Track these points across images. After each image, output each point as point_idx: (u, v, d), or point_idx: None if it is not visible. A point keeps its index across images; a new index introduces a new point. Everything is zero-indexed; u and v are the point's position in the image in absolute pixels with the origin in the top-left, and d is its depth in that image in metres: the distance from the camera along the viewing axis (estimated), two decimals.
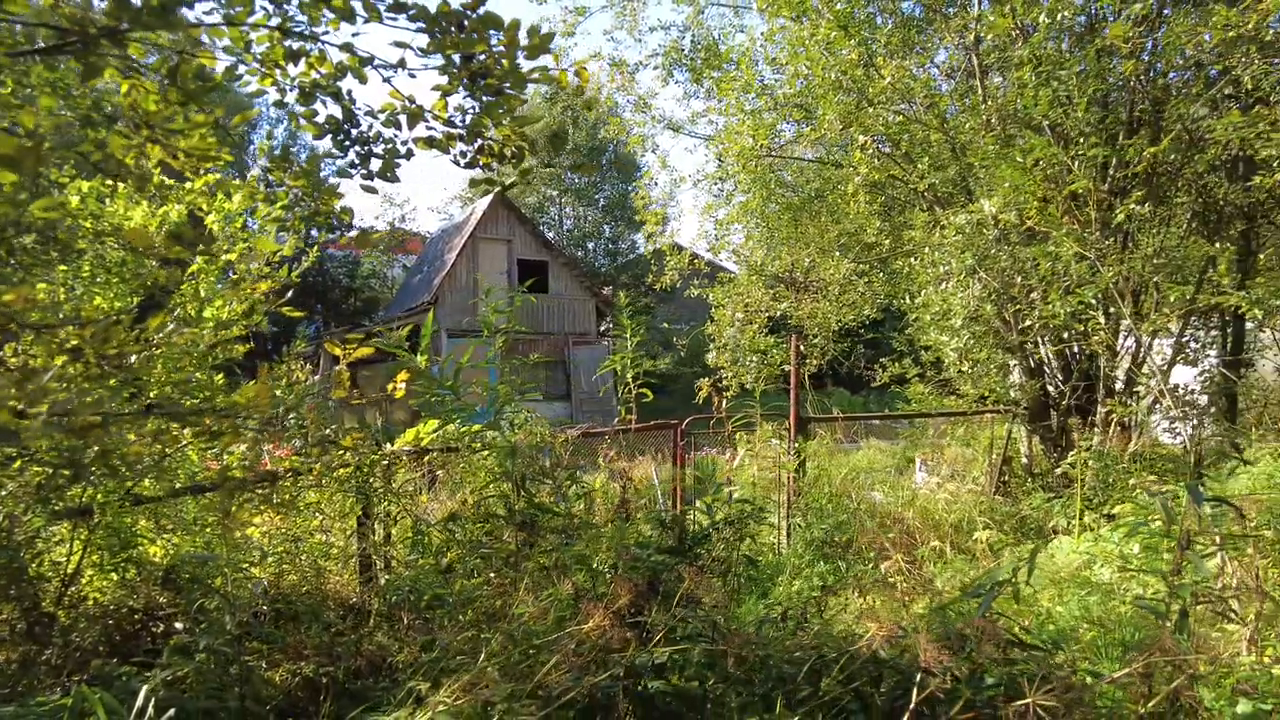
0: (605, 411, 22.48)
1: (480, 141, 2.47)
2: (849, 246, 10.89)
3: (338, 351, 4.83)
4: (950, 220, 8.53)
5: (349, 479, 6.92)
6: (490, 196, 23.38)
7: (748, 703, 2.80)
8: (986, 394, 9.87)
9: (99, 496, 5.93)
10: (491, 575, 4.75)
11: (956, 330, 7.72)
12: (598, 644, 2.57)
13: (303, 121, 2.39)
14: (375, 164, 2.42)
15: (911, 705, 2.37)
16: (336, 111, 2.33)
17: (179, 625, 5.69)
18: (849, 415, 9.56)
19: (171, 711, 2.67)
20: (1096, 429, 9.14)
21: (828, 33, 7.72)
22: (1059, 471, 8.59)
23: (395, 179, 2.43)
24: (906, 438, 13.47)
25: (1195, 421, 6.84)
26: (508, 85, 2.22)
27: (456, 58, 2.19)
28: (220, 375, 6.77)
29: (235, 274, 6.73)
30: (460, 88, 2.26)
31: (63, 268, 5.55)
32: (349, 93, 2.33)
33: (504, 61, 2.17)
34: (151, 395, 6.34)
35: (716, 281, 11.83)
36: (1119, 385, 9.29)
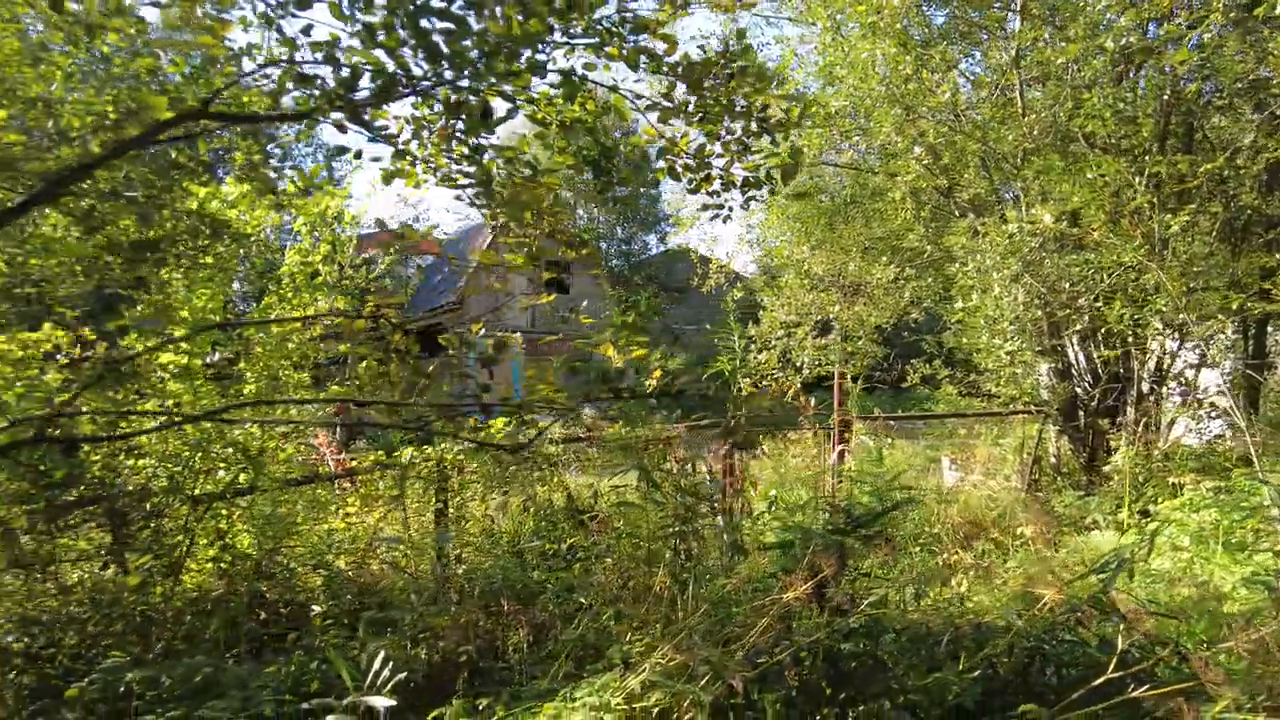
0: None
1: (706, 172, 2.78)
2: (882, 250, 11.24)
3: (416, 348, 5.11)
4: (991, 227, 8.87)
5: (429, 474, 7.23)
6: None
7: (913, 665, 3.11)
8: (1018, 395, 10.21)
9: (207, 487, 6.22)
10: (606, 560, 5.07)
11: (1009, 334, 8.07)
12: (784, 611, 2.88)
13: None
14: (620, 191, 2.72)
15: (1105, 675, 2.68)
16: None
17: (282, 611, 5.98)
18: (889, 415, 9.89)
19: (403, 674, 2.97)
20: (1126, 429, 9.51)
21: (889, 49, 8.06)
22: (1104, 469, 8.93)
23: (635, 205, 2.74)
24: (929, 437, 13.83)
25: (1242, 420, 7.20)
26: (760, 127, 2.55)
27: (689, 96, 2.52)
28: (304, 374, 7.06)
29: (320, 276, 7.02)
30: (722, 126, 2.58)
31: (178, 272, 5.82)
32: (604, 128, 2.64)
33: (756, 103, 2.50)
34: (248, 391, 6.64)
35: (736, 285, 12.14)
36: (1146, 388, 9.66)
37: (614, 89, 2.53)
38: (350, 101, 2.18)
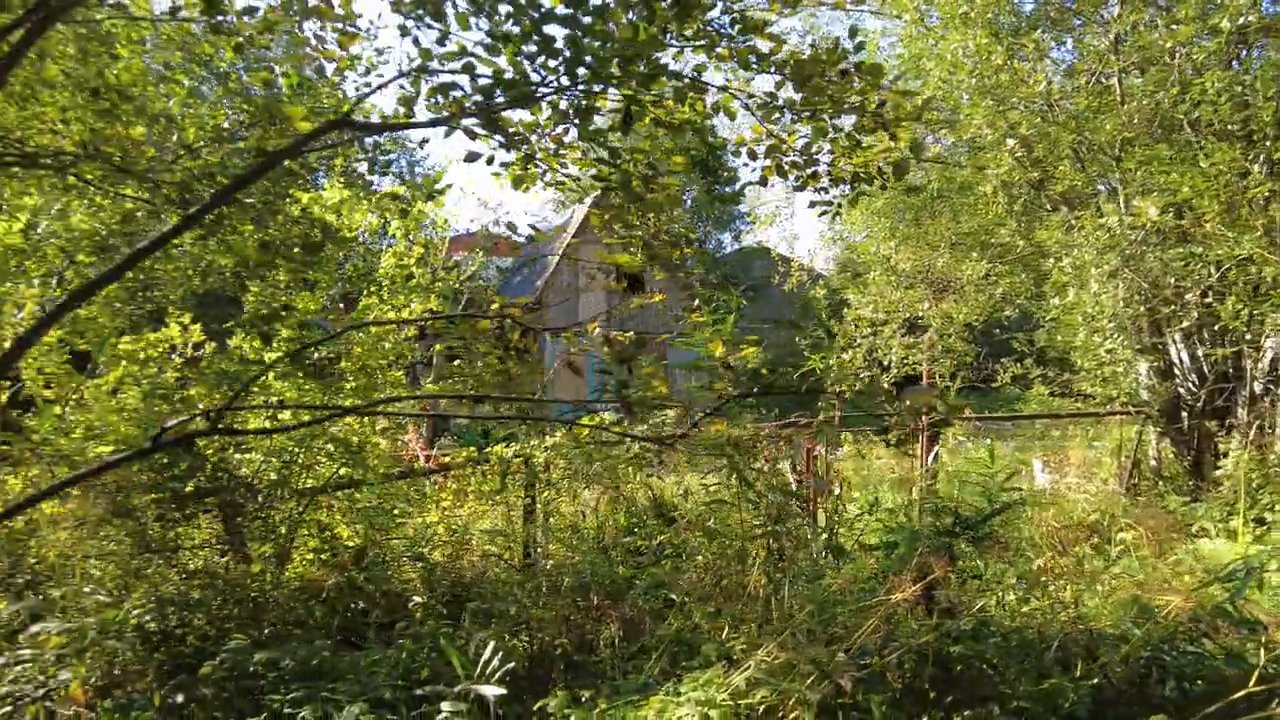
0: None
1: (813, 169, 2.79)
2: (971, 246, 10.94)
3: (535, 346, 5.23)
4: (1087, 221, 8.54)
5: (518, 469, 7.40)
6: (590, 200, 24.01)
7: (1023, 671, 3.04)
8: (1116, 395, 9.80)
9: (308, 481, 6.50)
10: (694, 556, 5.11)
11: (1107, 332, 7.75)
12: (890, 613, 2.86)
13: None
14: (724, 188, 2.75)
15: None
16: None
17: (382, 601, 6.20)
18: (982, 415, 9.62)
19: (510, 664, 3.07)
20: (1238, 432, 9.01)
21: (980, 39, 7.85)
22: (1213, 473, 8.49)
23: (738, 202, 2.77)
24: (1019, 438, 13.38)
25: None
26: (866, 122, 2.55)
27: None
28: (400, 373, 7.30)
29: (415, 278, 7.25)
30: (829, 123, 2.59)
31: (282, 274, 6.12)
32: (712, 127, 2.67)
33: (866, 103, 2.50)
34: (348, 389, 6.90)
35: (818, 283, 11.99)
36: (1259, 388, 9.13)
37: (724, 89, 2.56)
38: (485, 107, 2.26)
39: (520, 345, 2.71)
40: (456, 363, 7.37)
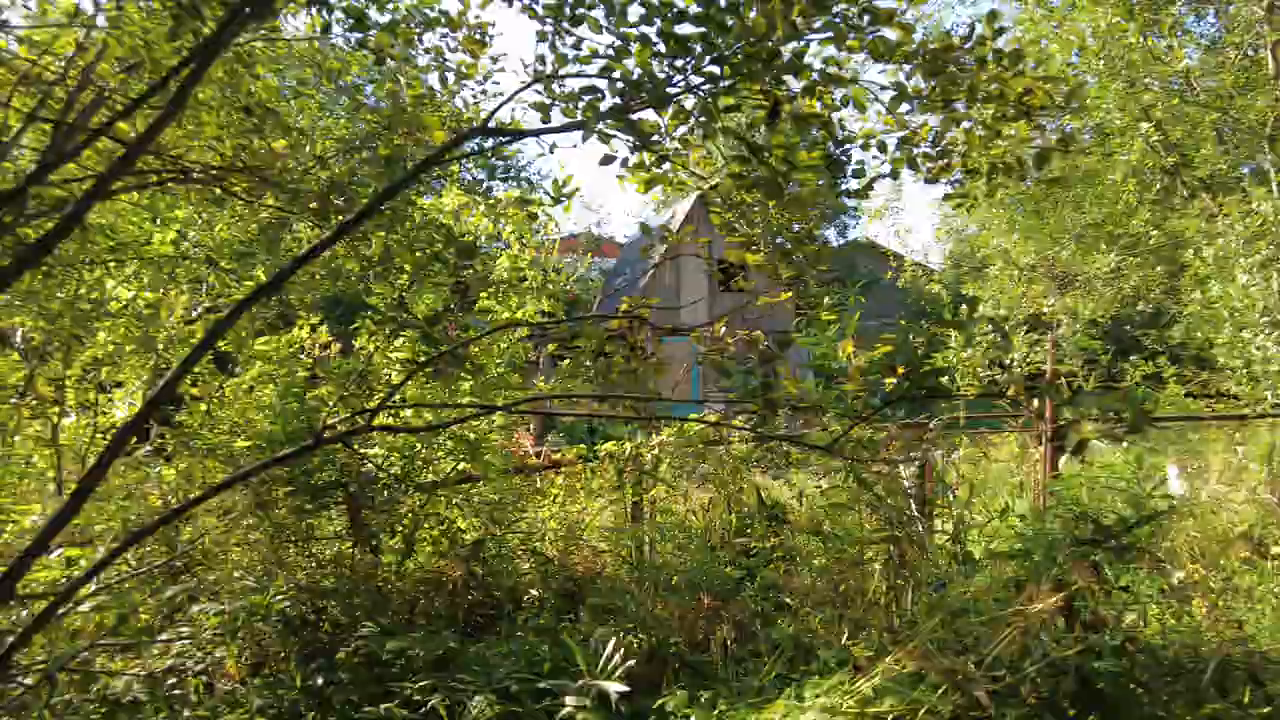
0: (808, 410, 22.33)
1: (946, 160, 2.70)
2: (1098, 238, 10.32)
3: (660, 346, 5.25)
4: (1233, 208, 7.90)
5: (624, 467, 7.47)
6: (692, 198, 24.05)
7: (1176, 693, 2.84)
8: (1267, 396, 9.04)
9: (429, 476, 6.74)
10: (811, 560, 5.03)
11: (1259, 327, 7.16)
12: (1029, 624, 2.72)
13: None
14: (853, 184, 2.70)
15: None
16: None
17: (496, 594, 6.37)
18: (1114, 415, 9.04)
19: (633, 661, 3.09)
20: None
21: (1110, 17, 7.40)
22: None
23: (866, 197, 2.73)
24: (1150, 440, 12.52)
25: None
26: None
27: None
28: (516, 373, 7.50)
29: (528, 280, 7.42)
30: (965, 114, 2.51)
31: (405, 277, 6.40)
32: (840, 121, 2.64)
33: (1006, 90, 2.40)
34: (464, 388, 7.12)
35: (933, 278, 11.53)
36: None
37: (854, 80, 2.50)
38: (621, 109, 2.29)
39: (643, 344, 2.73)
40: (568, 363, 7.49)
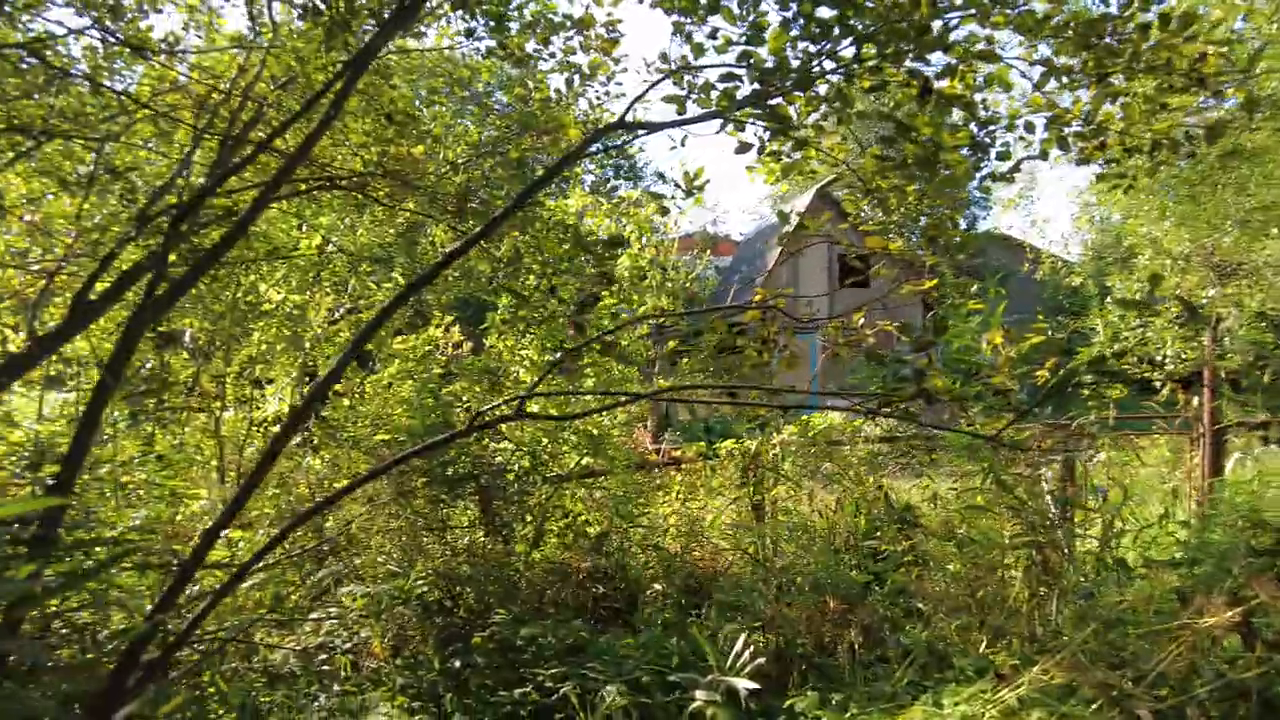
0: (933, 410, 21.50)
1: (1100, 139, 2.53)
2: (1269, 221, 9.37)
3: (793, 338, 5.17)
4: None
5: (747, 465, 7.41)
6: (810, 193, 23.61)
7: None
8: None
9: (554, 469, 6.90)
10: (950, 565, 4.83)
11: None
12: (1198, 640, 2.50)
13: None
14: (1001, 166, 2.59)
15: None
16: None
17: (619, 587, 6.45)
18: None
19: (763, 660, 3.05)
20: None
21: None
22: None
23: (1012, 181, 2.60)
24: None
25: None
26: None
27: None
28: (633, 369, 7.59)
29: (647, 279, 7.50)
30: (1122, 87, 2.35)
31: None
32: (983, 102, 2.52)
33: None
34: (588, 384, 7.25)
35: (1073, 270, 10.80)
36: None
37: (996, 57, 2.36)
38: (761, 96, 2.27)
39: (775, 337, 2.69)
40: (687, 360, 7.47)
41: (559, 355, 4.29)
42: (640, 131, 2.44)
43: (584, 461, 6.91)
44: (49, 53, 4.08)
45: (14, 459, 4.75)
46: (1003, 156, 2.58)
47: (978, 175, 2.68)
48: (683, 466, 7.95)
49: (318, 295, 7.60)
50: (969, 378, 3.01)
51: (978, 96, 2.53)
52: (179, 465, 5.12)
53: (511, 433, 6.86)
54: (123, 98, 3.78)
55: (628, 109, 2.46)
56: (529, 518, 6.25)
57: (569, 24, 3.37)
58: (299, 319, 7.09)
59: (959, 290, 3.15)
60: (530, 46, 3.37)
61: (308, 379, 8.04)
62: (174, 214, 2.97)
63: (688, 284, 9.35)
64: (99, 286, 4.20)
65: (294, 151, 2.63)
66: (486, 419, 2.92)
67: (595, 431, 6.85)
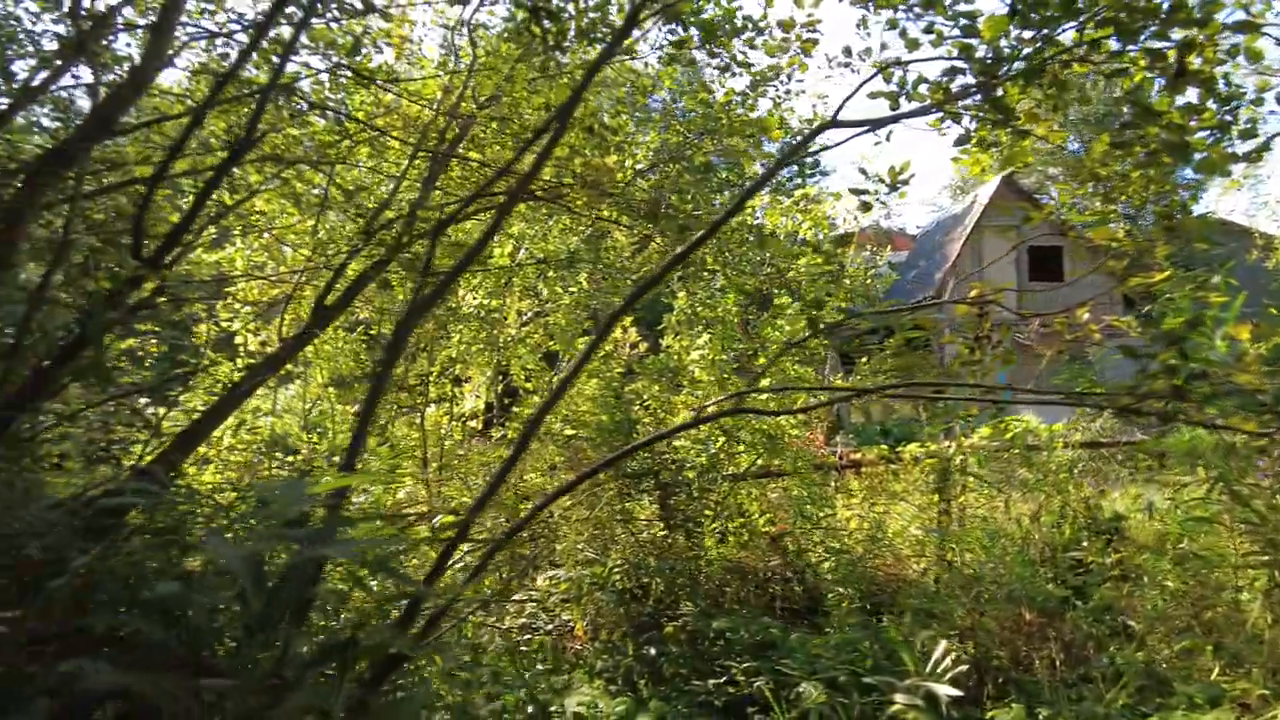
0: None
1: None
2: None
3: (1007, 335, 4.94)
4: None
5: (936, 469, 7.13)
6: (993, 184, 22.22)
7: None
8: None
9: (728, 468, 6.97)
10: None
11: None
12: None
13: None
14: (1243, 148, 2.38)
15: None
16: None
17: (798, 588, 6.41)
18: None
19: (964, 667, 2.96)
20: None
21: None
22: None
23: (1259, 160, 2.38)
24: None
25: None
26: None
27: None
28: (809, 369, 7.51)
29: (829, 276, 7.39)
30: None
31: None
32: (1224, 76, 2.33)
33: None
34: (764, 384, 7.26)
35: None
36: None
37: (1255, 27, 2.15)
38: (982, 88, 2.23)
39: (987, 334, 2.60)
40: (866, 360, 7.31)
41: (792, 341, 4.35)
42: (859, 129, 2.44)
43: (758, 461, 6.92)
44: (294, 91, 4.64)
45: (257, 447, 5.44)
46: (1247, 135, 2.35)
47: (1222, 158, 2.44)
48: (863, 469, 7.77)
49: (510, 299, 8.10)
50: (1198, 377, 2.77)
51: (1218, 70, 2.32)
52: (401, 454, 5.64)
53: (687, 432, 7.00)
54: (356, 123, 4.23)
55: (839, 107, 2.48)
56: (708, 514, 6.35)
57: (743, 29, 3.41)
58: (494, 322, 7.59)
59: (1195, 282, 2.89)
60: (736, 50, 3.45)
61: (501, 377, 8.59)
62: (436, 225, 3.30)
63: (867, 280, 9.12)
64: (332, 294, 4.74)
65: (529, 167, 2.85)
66: (709, 413, 3.03)
67: (772, 432, 6.85)
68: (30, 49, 4.09)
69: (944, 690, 3.05)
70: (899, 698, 3.06)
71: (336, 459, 3.46)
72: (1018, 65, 2.15)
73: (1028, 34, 2.22)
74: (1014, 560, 6.40)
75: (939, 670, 3.18)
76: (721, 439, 6.75)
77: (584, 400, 6.73)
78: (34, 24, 4.19)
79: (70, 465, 3.70)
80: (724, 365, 7.20)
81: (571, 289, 7.89)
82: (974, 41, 2.22)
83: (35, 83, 3.64)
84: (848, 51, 3.59)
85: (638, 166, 5.60)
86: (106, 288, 2.32)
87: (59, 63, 3.49)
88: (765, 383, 7.29)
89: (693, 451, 6.64)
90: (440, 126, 5.03)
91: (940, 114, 2.35)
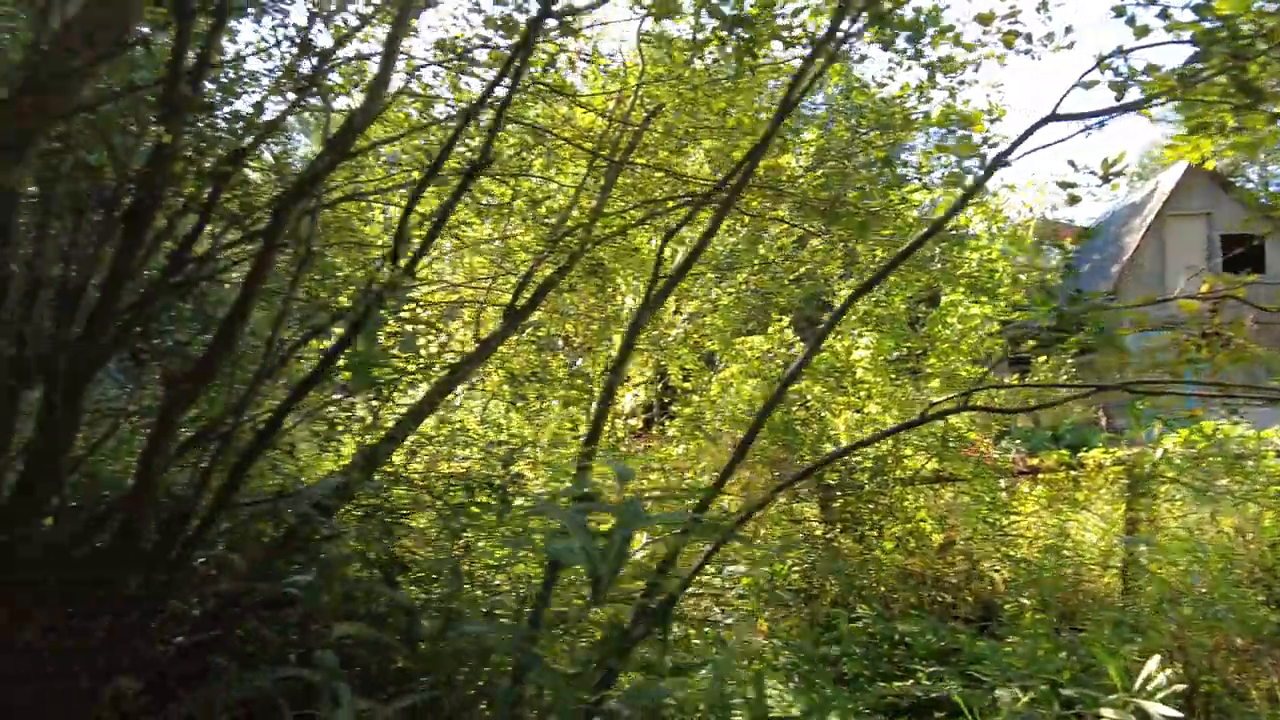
0: None
1: None
2: None
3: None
4: None
5: (1126, 476, 6.68)
6: (1177, 169, 20.32)
7: None
8: None
9: (897, 472, 6.81)
10: None
11: None
12: None
13: None
14: None
15: None
16: None
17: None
18: None
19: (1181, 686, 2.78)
20: None
21: None
22: None
23: None
24: None
25: None
26: None
27: None
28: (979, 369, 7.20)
29: (999, 272, 7.07)
30: None
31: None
32: None
33: None
34: (933, 386, 7.04)
35: None
36: None
37: None
38: (1229, 71, 2.10)
39: (1220, 331, 2.42)
40: (1046, 360, 6.91)
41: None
42: (1086, 120, 2.36)
43: (927, 465, 6.71)
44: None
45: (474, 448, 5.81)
46: None
47: None
48: (1040, 476, 7.36)
49: (667, 300, 8.26)
50: None
51: None
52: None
53: (850, 435, 6.89)
54: (547, 135, 4.47)
55: (1059, 101, 2.40)
56: (877, 516, 6.23)
57: (976, 22, 3.31)
58: (655, 323, 7.78)
59: None
60: (942, 48, 3.39)
61: (659, 377, 8.78)
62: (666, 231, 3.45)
63: (1047, 275, 8.63)
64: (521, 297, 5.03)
65: (738, 179, 2.95)
66: (937, 410, 3.02)
67: (944, 435, 6.62)
68: (259, 85, 4.58)
69: (1161, 710, 2.87)
70: (1107, 713, 2.92)
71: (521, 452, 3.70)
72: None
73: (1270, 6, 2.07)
74: (1218, 579, 5.87)
75: (1150, 688, 2.99)
76: (890, 441, 6.59)
77: (743, 401, 6.78)
78: (265, 60, 4.70)
79: (302, 454, 4.13)
80: (892, 366, 7.05)
81: (730, 290, 7.94)
82: (1213, 25, 2.07)
83: (268, 116, 4.10)
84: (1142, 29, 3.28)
85: (802, 165, 5.58)
86: (379, 291, 2.60)
87: (292, 96, 3.91)
88: (934, 384, 7.08)
89: (858, 455, 6.53)
90: (613, 136, 5.22)
91: (1165, 102, 2.22)
